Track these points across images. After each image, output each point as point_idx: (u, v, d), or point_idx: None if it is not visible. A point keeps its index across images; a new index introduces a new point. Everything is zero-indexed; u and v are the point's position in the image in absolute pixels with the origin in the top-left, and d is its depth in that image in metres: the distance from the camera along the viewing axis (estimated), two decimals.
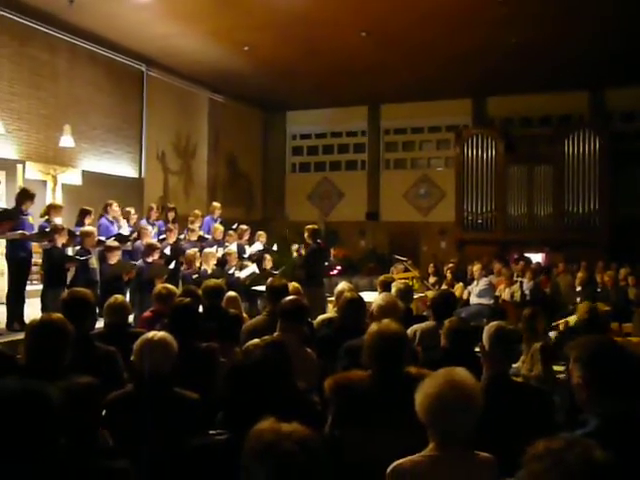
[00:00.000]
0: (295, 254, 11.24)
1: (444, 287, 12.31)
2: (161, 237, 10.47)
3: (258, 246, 11.50)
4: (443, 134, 19.46)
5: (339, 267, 14.33)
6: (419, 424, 2.49)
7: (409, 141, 20.13)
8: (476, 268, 11.78)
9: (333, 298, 6.82)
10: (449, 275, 12.90)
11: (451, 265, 13.57)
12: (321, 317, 6.01)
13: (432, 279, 13.24)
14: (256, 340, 3.27)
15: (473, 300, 11.34)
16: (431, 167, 19.74)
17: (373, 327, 3.28)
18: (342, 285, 6.33)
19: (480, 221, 17.36)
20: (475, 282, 11.56)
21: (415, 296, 6.61)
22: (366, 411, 2.99)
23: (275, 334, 4.36)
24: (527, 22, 12.28)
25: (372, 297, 6.85)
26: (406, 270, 12.21)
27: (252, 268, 10.44)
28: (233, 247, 10.83)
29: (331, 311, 7.38)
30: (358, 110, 19.94)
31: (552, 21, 12.19)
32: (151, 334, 3.35)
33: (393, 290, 6.10)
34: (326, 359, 4.44)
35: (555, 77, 15.80)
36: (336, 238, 18.15)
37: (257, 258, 11.04)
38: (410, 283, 7.92)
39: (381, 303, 4.61)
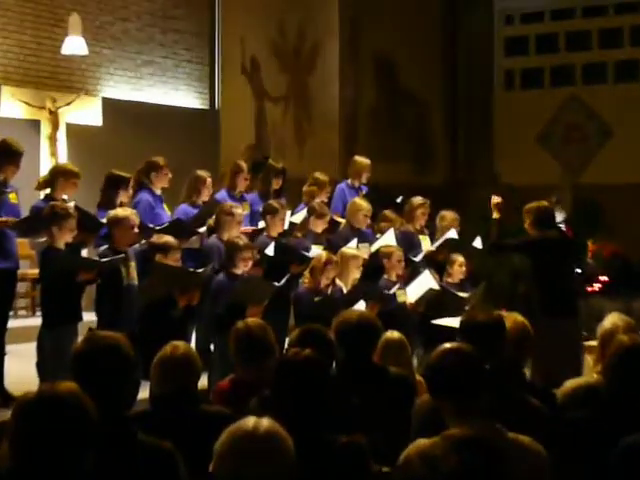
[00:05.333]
0: (496, 215, 10.86)
1: None
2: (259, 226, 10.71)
3: (452, 235, 11.36)
4: None
5: (604, 277, 14.11)
6: None
7: None
8: None
9: (594, 343, 6.72)
10: None
11: None
12: (572, 383, 5.91)
13: None
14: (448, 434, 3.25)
15: None
16: None
17: None
18: (612, 319, 6.33)
19: None
20: None
21: None
22: None
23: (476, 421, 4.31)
24: None
25: None
26: None
27: (426, 280, 10.39)
28: (390, 239, 10.81)
29: (591, 370, 7.23)
30: None
31: None
32: (250, 424, 3.37)
33: None
34: (580, 466, 4.44)
35: None
36: (597, 217, 17.80)
37: (436, 261, 11.05)
38: None
39: None
